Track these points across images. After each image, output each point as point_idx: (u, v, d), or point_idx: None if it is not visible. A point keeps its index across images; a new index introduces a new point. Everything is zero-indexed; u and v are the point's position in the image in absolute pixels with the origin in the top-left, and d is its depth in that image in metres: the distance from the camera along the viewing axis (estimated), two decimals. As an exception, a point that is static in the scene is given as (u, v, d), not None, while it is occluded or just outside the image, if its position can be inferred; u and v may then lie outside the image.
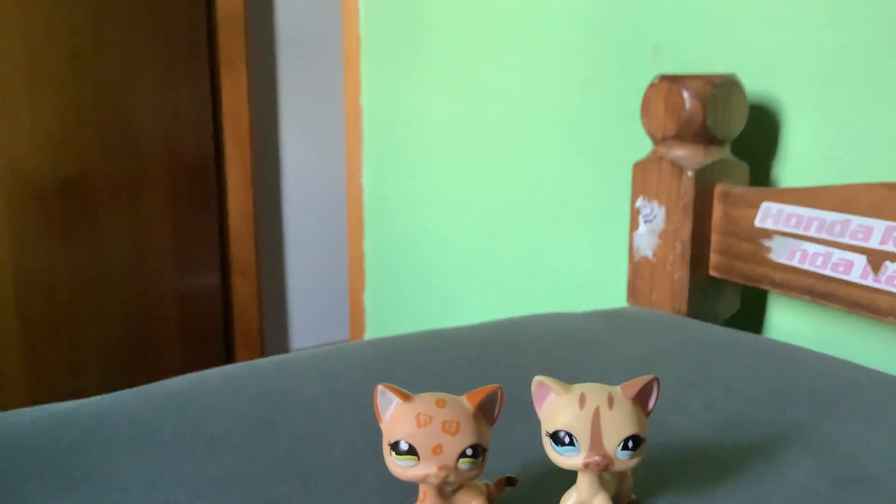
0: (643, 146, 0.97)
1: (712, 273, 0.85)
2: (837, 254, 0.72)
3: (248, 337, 2.44)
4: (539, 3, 1.14)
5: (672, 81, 0.83)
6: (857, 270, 0.71)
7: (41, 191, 1.87)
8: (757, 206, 0.79)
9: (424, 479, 0.34)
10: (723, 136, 0.83)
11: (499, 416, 0.36)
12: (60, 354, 1.95)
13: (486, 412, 0.36)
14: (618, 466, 0.35)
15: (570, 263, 1.13)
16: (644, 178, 0.88)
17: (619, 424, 0.35)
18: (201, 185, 2.32)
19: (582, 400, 0.35)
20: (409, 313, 1.51)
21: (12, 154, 1.79)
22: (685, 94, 0.81)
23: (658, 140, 0.86)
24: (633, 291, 0.90)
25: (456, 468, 0.34)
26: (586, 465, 0.35)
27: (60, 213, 1.93)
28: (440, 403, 0.35)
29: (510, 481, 0.40)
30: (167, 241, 2.22)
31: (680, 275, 0.84)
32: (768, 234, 0.78)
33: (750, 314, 0.90)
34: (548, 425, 0.36)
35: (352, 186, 1.64)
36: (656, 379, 0.36)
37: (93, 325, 2.03)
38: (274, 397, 0.52)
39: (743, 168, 0.85)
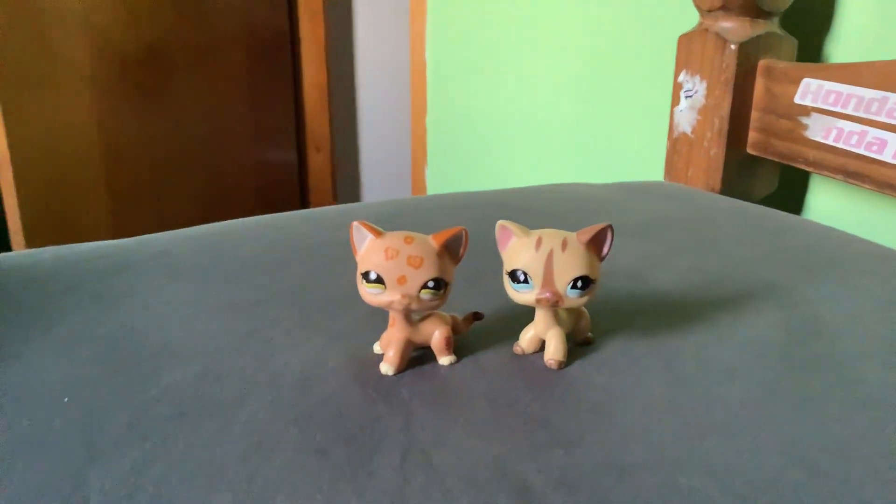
0: (694, 19, 0.95)
1: (749, 151, 0.84)
2: (872, 132, 0.71)
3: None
4: None
5: (721, -51, 0.80)
6: (890, 150, 0.69)
7: (123, 60, 1.94)
8: (798, 83, 0.78)
9: (390, 306, 0.38)
10: (771, 9, 0.80)
11: (463, 255, 0.39)
12: (144, 216, 2.07)
13: (451, 251, 0.39)
14: (567, 303, 0.38)
15: (619, 139, 1.13)
16: (688, 51, 0.86)
17: (570, 266, 0.38)
18: (276, 58, 2.35)
19: (538, 243, 0.38)
20: (468, 189, 1.54)
21: (96, 23, 1.86)
22: (734, -37, 0.79)
23: (704, 11, 0.84)
24: (670, 168, 0.90)
25: (418, 297, 0.38)
26: (538, 301, 0.38)
27: (142, 83, 2.00)
28: (408, 240, 0.38)
29: (476, 316, 0.44)
30: (243, 112, 2.29)
31: (716, 151, 0.84)
32: (806, 111, 0.77)
33: (789, 195, 0.89)
34: (507, 265, 0.39)
35: (415, 62, 1.65)
36: (610, 226, 0.38)
37: (174, 190, 2.13)
38: (290, 242, 0.57)
39: (791, 43, 0.82)
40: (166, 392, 0.37)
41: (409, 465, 0.32)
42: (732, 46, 0.80)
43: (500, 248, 0.40)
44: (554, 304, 0.38)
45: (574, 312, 0.41)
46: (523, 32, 1.31)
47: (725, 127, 0.83)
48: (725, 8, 0.81)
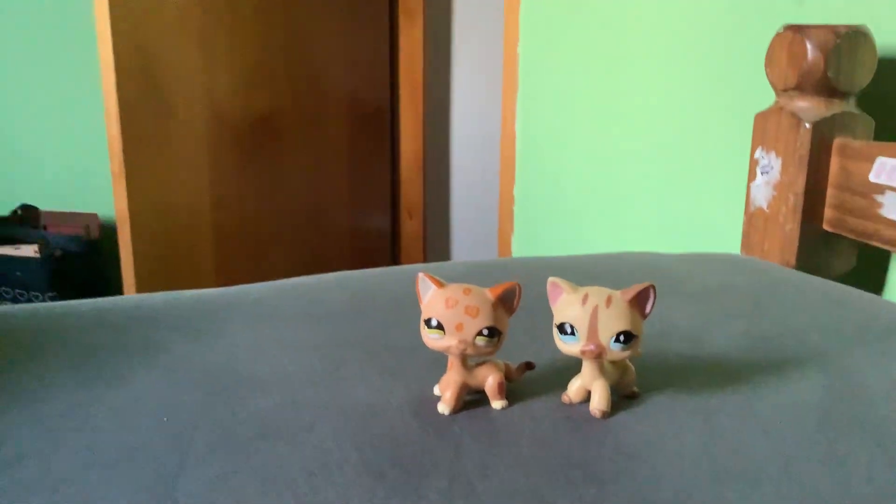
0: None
1: (825, 227, 0.85)
2: (946, 211, 0.71)
3: (412, 273, 2.60)
4: (688, -47, 1.15)
5: (796, 31, 0.83)
6: (964, 229, 0.70)
7: (236, 127, 2.09)
8: (872, 161, 0.79)
9: (448, 350, 0.42)
10: (846, 89, 0.82)
11: (517, 307, 0.43)
12: (246, 268, 2.19)
13: (505, 303, 0.43)
14: (610, 356, 0.41)
15: (699, 211, 1.15)
16: (764, 128, 0.89)
17: (613, 320, 0.41)
18: (376, 129, 2.48)
19: (585, 298, 0.42)
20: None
21: (214, 95, 2.02)
22: (808, 45, 0.81)
23: (780, 91, 0.86)
24: (746, 242, 0.92)
25: (473, 343, 0.42)
26: (583, 352, 0.42)
27: (251, 148, 2.14)
28: (466, 292, 0.43)
29: (529, 366, 0.47)
30: (343, 179, 2.41)
31: (791, 227, 0.85)
32: (881, 189, 0.78)
33: (869, 273, 0.89)
34: (556, 318, 0.43)
35: (506, 133, 1.72)
36: (652, 286, 0.42)
37: (275, 248, 2.25)
38: (371, 293, 0.62)
39: (867, 122, 0.84)
40: (250, 416, 0.42)
41: (454, 490, 0.36)
42: (807, 125, 0.82)
43: (550, 303, 0.44)
44: (597, 356, 0.41)
45: (619, 366, 0.44)
46: (609, 106, 1.35)
47: (800, 203, 0.84)
48: (800, 88, 0.83)
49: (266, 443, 0.40)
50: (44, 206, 2.32)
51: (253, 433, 0.40)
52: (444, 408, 0.43)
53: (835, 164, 0.83)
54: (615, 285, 0.54)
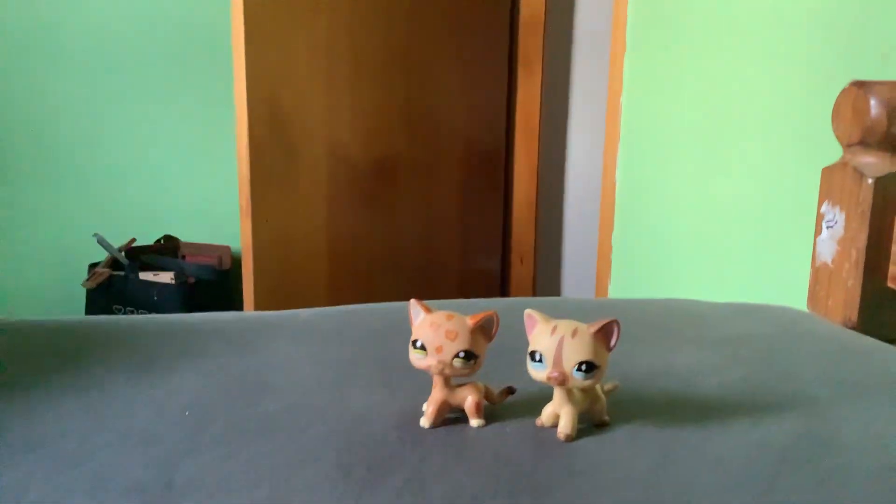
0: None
1: (890, 284, 0.83)
2: None
3: (520, 317, 2.63)
4: (777, 9, 1.15)
5: (860, 87, 0.83)
6: None
7: (355, 171, 2.23)
8: (934, 218, 0.77)
9: (428, 369, 0.47)
10: (912, 145, 0.81)
11: (496, 334, 0.48)
12: (357, 302, 2.30)
13: (484, 330, 0.48)
14: (573, 383, 0.45)
15: (784, 264, 1.13)
16: (830, 183, 0.88)
17: (576, 351, 0.45)
18: (490, 174, 2.56)
19: (554, 329, 0.46)
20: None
21: (336, 140, 2.16)
22: (871, 101, 0.81)
23: (845, 146, 0.86)
24: (812, 297, 0.91)
25: (451, 364, 0.47)
26: (548, 379, 0.45)
27: (368, 191, 2.27)
28: (449, 318, 0.47)
29: (510, 390, 0.51)
30: (455, 222, 2.49)
31: (853, 282, 0.84)
32: (942, 247, 0.76)
33: (941, 333, 0.86)
34: (530, 347, 0.47)
35: (606, 182, 1.74)
36: (615, 321, 0.45)
37: (386, 287, 2.36)
38: (403, 321, 0.68)
39: (936, 179, 0.82)
40: (258, 416, 0.49)
41: (407, 489, 0.41)
42: (869, 181, 0.82)
43: (527, 333, 0.48)
44: (560, 383, 0.45)
45: (589, 395, 0.48)
46: (704, 159, 1.36)
47: (862, 259, 0.83)
48: (864, 143, 0.83)
49: (263, 438, 0.46)
50: (184, 237, 2.54)
51: (255, 429, 0.47)
52: (424, 422, 0.48)
53: (899, 220, 0.82)
54: (645, 327, 0.57)
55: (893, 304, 0.84)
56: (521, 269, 2.63)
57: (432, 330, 0.47)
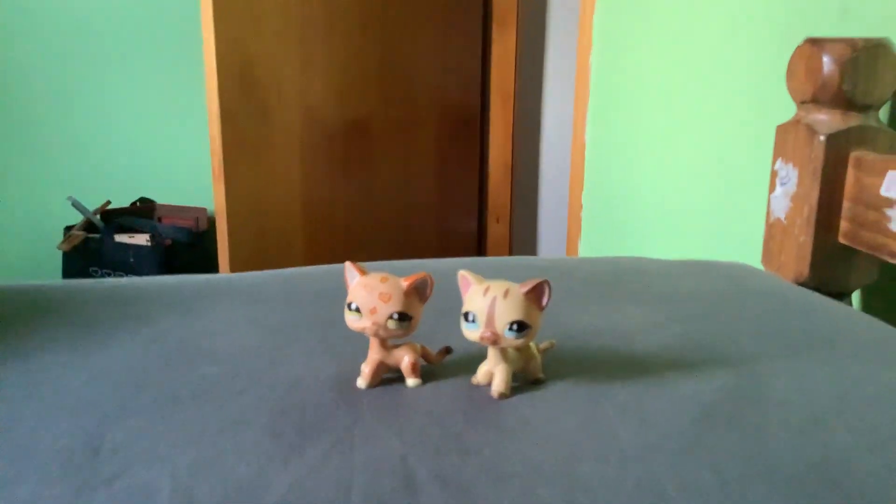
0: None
1: (841, 240, 0.84)
2: (947, 226, 0.70)
3: (496, 277, 2.64)
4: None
5: (814, 44, 0.83)
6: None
7: (329, 132, 2.21)
8: (884, 175, 0.78)
9: (363, 331, 0.47)
10: (865, 102, 0.81)
11: (430, 296, 0.48)
12: (331, 270, 2.30)
13: (419, 292, 0.48)
14: (504, 343, 0.45)
15: (742, 220, 1.14)
16: (783, 140, 0.88)
17: (508, 311, 0.45)
18: (466, 135, 2.54)
19: (486, 290, 0.46)
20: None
21: (309, 101, 2.14)
22: (824, 58, 0.81)
23: (799, 103, 0.86)
24: (766, 253, 0.92)
25: (385, 326, 0.47)
26: (481, 339, 0.46)
27: (343, 152, 2.25)
28: (383, 280, 0.48)
29: (448, 350, 0.52)
30: (432, 183, 2.49)
31: (805, 238, 0.85)
32: (891, 203, 0.77)
33: (893, 287, 0.87)
34: (463, 308, 0.47)
35: (576, 141, 1.74)
36: (546, 281, 0.45)
37: (362, 247, 2.35)
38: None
39: (889, 136, 0.82)
40: (193, 381, 0.49)
41: (334, 451, 0.41)
42: (821, 138, 0.82)
43: (462, 294, 0.48)
44: (493, 343, 0.46)
45: (524, 354, 0.48)
46: (665, 115, 1.36)
47: (814, 215, 0.84)
48: (816, 101, 0.83)
49: (196, 403, 0.46)
50: (160, 200, 2.52)
51: (189, 395, 0.47)
52: (361, 382, 0.49)
53: (850, 177, 0.82)
54: (596, 286, 0.57)
55: (844, 260, 0.85)
56: (497, 228, 2.63)
57: (366, 292, 0.47)
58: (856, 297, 0.92)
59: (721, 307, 0.64)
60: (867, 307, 0.92)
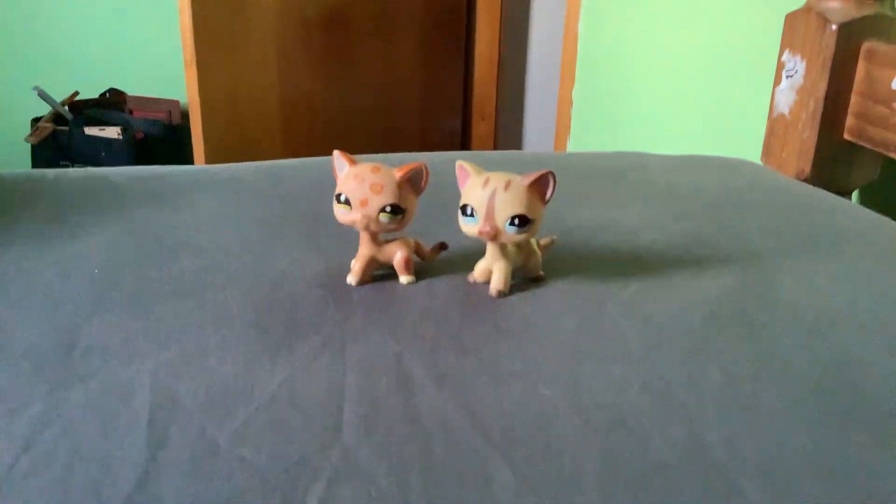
0: None
1: (846, 136, 0.81)
2: (960, 122, 0.67)
3: (480, 176, 2.60)
4: None
5: (830, -75, 0.77)
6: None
7: (307, 24, 2.11)
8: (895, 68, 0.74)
9: (353, 224, 0.44)
10: (881, -12, 0.77)
11: (425, 187, 0.45)
12: (313, 167, 2.25)
13: (413, 183, 0.44)
14: (504, 238, 0.43)
15: (740, 116, 1.11)
16: (792, 30, 0.84)
17: (509, 204, 0.42)
18: (451, 29, 2.44)
19: (486, 182, 0.43)
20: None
21: (285, -13, 2.03)
22: (841, -60, 0.76)
23: (811, -11, 0.81)
24: (766, 150, 0.89)
25: (377, 219, 0.44)
26: (480, 233, 0.43)
27: (321, 44, 2.16)
28: (375, 170, 0.44)
29: (443, 246, 0.49)
30: (415, 79, 2.40)
31: (809, 134, 0.82)
32: (901, 97, 0.73)
33: (892, 187, 0.85)
34: (461, 200, 0.44)
35: (568, 35, 1.67)
36: (551, 172, 0.42)
37: (344, 147, 2.28)
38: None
39: (903, 26, 0.78)
40: (173, 276, 0.46)
41: (325, 348, 0.39)
42: (833, 27, 0.78)
43: (459, 186, 0.45)
44: (492, 238, 0.43)
45: (524, 250, 0.45)
46: (663, 5, 1.30)
47: (820, 110, 0.80)
48: (830, -14, 0.78)
49: (175, 299, 0.43)
50: (131, 91, 2.43)
51: (169, 290, 0.44)
52: (351, 279, 0.46)
53: (861, 69, 0.79)
54: (596, 181, 0.54)
55: (848, 157, 0.82)
56: (481, 126, 2.57)
57: (357, 182, 0.44)
58: (855, 196, 0.90)
59: (725, 203, 0.61)
60: (865, 206, 0.90)
